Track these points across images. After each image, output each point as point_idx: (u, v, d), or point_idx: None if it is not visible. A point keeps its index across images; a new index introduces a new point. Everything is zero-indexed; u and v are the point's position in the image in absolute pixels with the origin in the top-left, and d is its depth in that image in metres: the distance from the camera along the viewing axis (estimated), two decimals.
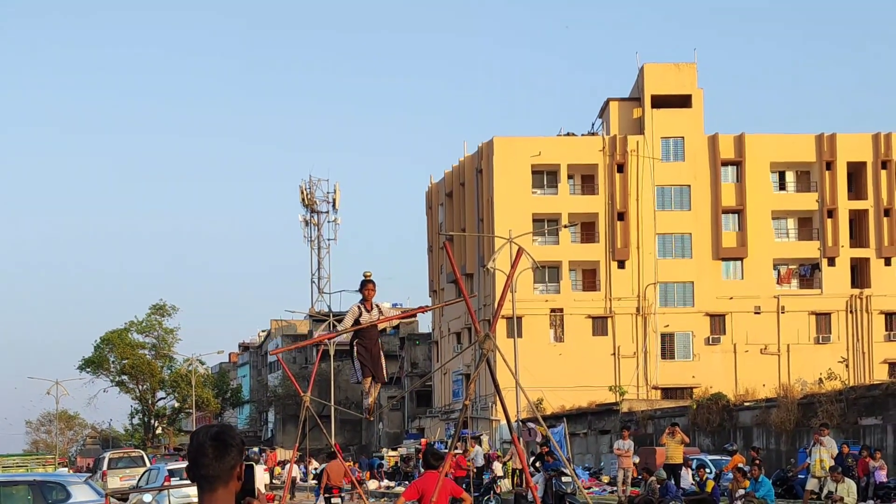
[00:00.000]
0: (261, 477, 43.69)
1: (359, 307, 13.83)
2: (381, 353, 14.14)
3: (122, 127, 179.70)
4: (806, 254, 71.40)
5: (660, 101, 71.51)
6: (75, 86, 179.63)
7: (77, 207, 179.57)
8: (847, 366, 57.29)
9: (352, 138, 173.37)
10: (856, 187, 71.34)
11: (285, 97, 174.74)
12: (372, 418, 15.93)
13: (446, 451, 14.77)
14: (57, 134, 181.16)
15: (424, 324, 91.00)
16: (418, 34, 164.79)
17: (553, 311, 70.16)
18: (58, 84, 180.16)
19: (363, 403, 14.76)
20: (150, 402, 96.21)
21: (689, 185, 71.00)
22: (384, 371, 14.20)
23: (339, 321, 15.03)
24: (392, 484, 49.22)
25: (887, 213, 70.26)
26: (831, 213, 70.58)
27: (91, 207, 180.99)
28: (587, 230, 71.32)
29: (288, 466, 30.74)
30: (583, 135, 74.48)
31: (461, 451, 41.24)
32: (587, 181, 71.97)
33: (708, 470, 30.56)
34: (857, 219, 71.42)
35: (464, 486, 31.75)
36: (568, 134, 74.09)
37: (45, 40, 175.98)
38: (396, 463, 57.66)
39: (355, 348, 13.98)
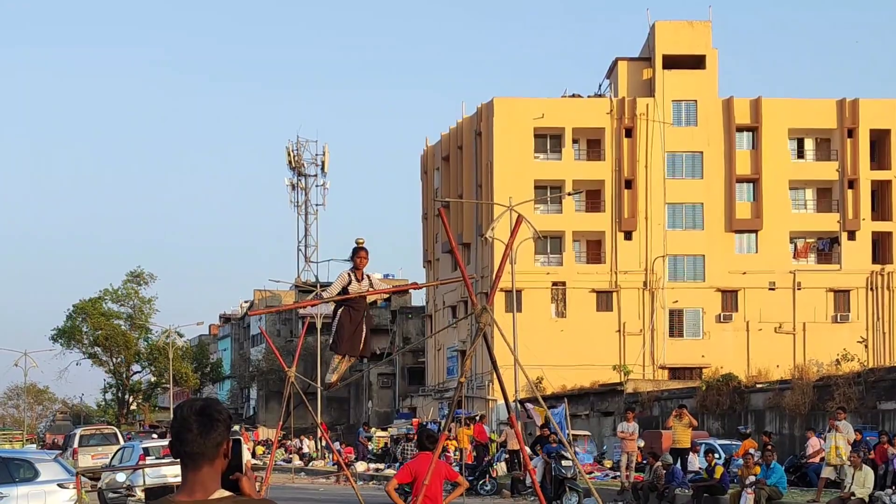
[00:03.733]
0: (246, 452, 43.90)
1: (349, 274, 13.73)
2: (366, 326, 13.99)
3: (99, 89, 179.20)
4: (824, 227, 71.44)
5: (671, 62, 71.31)
6: (52, 45, 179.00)
7: (50, 170, 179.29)
8: (866, 346, 57.47)
9: (342, 97, 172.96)
10: (879, 156, 71.31)
11: (271, 50, 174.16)
12: (327, 391, 15.87)
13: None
14: (30, 98, 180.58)
15: (418, 297, 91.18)
16: None
17: (555, 284, 70.22)
18: (35, 46, 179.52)
19: (326, 377, 14.70)
20: (124, 376, 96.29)
21: (702, 152, 70.93)
22: (365, 344, 14.03)
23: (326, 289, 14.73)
24: (381, 466, 49.34)
25: None
26: (852, 184, 70.56)
27: (64, 169, 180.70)
28: (592, 198, 71.25)
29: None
30: (589, 96, 74.33)
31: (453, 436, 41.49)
32: (593, 146, 71.87)
33: (717, 455, 30.76)
34: (880, 190, 71.45)
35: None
36: (573, 95, 73.94)
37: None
38: (386, 444, 57.74)
39: (339, 317, 13.82)
